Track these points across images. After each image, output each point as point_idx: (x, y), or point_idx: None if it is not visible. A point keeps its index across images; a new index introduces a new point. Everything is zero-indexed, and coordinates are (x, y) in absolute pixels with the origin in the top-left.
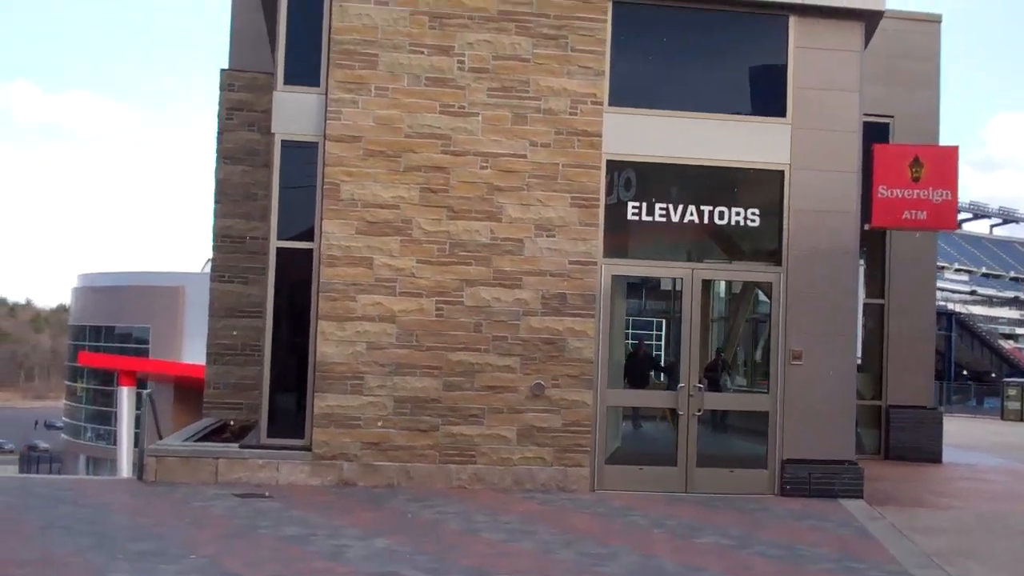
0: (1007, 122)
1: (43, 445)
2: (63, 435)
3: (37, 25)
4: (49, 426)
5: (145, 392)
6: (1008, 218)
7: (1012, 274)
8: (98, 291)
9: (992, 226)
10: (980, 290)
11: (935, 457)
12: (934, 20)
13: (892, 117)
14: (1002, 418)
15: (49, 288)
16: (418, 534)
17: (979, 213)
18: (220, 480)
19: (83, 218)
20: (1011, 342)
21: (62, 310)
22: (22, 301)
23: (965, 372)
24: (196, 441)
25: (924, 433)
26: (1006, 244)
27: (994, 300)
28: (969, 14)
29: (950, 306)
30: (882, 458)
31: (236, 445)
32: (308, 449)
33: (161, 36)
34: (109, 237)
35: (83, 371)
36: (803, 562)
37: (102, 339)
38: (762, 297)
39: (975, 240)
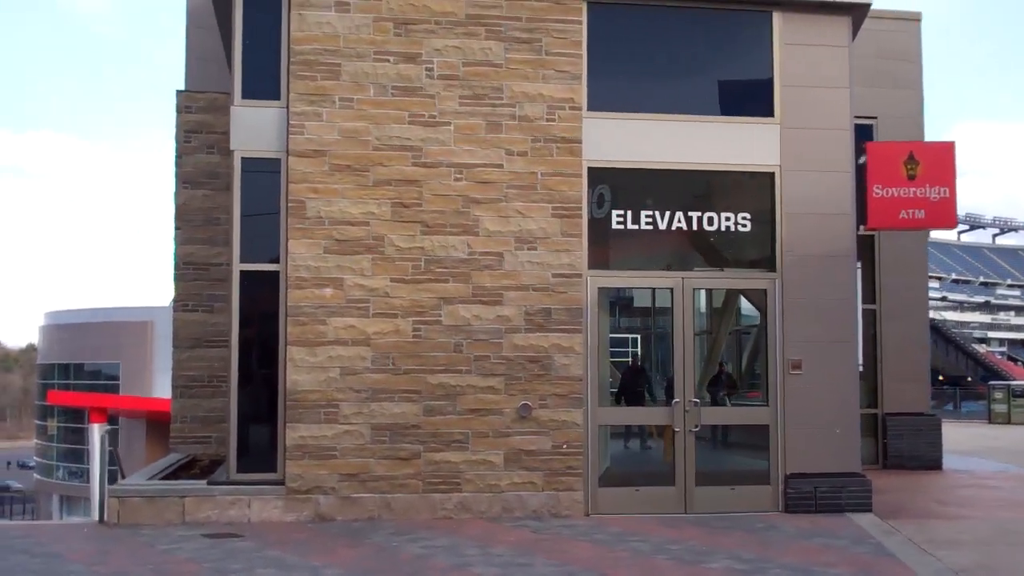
0: (970, 131)
1: (16, 486)
2: (35, 475)
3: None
4: (22, 466)
5: (101, 430)
6: (975, 224)
7: (981, 279)
8: (65, 328)
9: (960, 232)
10: (950, 296)
11: (935, 464)
12: (914, 19)
13: (875, 118)
14: (989, 421)
15: (18, 327)
16: (404, 572)
17: None
18: (188, 520)
19: (50, 256)
20: (984, 346)
21: (32, 349)
22: None
23: (941, 377)
24: (161, 479)
25: (923, 440)
26: (974, 250)
27: (964, 305)
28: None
29: None
30: (880, 467)
31: (204, 482)
32: (281, 483)
33: (118, 62)
34: (77, 274)
35: (53, 409)
36: None
37: (71, 376)
38: (745, 308)
39: (943, 247)
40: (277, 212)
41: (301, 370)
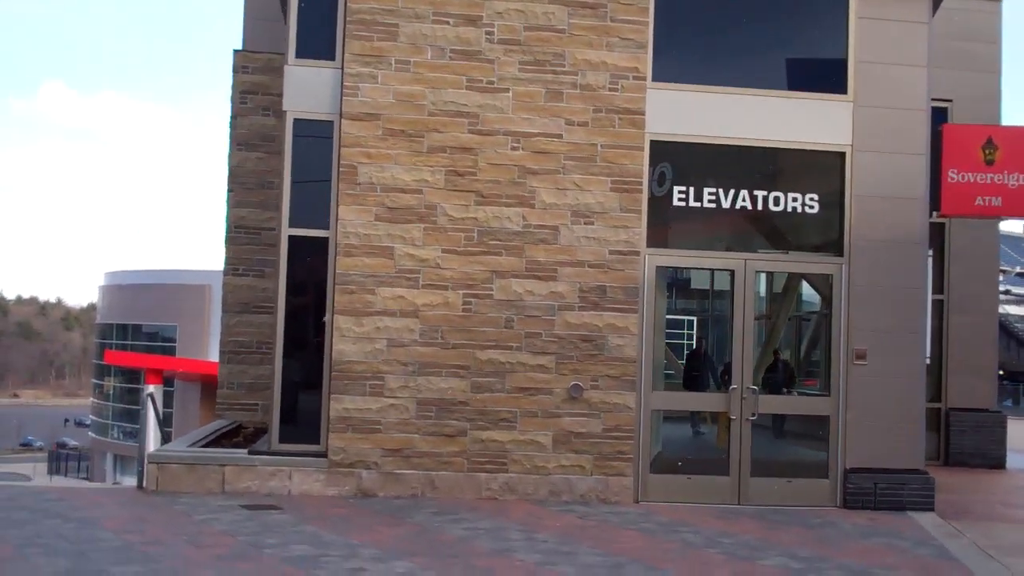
0: None
1: (72, 443)
2: (90, 433)
3: (63, 28)
4: (79, 424)
5: (145, 391)
6: None
7: None
8: (125, 289)
9: None
10: (1015, 289)
11: (999, 463)
12: None
13: (951, 101)
14: None
15: (80, 287)
16: (444, 555)
17: None
18: (227, 489)
19: (113, 217)
20: None
21: (92, 308)
22: (53, 300)
23: (1001, 372)
24: (203, 446)
25: (986, 437)
26: None
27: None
28: None
29: None
30: (941, 464)
31: (245, 451)
32: (323, 456)
33: (180, 23)
34: (139, 235)
35: (110, 369)
36: None
37: (129, 337)
38: (806, 294)
39: (1008, 239)
40: (328, 177)
41: (347, 340)
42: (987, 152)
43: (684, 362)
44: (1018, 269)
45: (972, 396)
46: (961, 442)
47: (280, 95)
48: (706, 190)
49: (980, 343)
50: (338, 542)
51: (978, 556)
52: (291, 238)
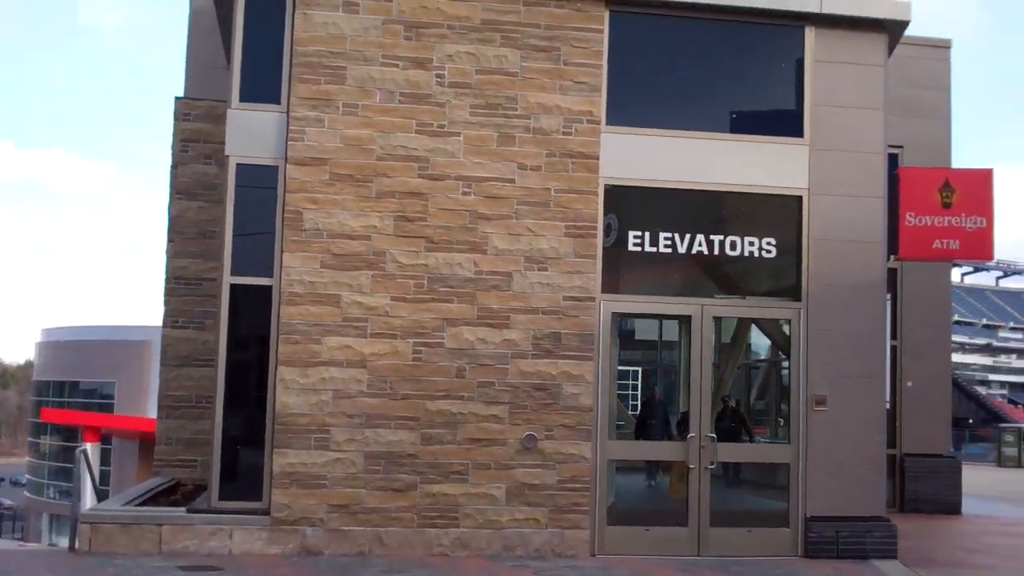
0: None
1: (7, 503)
2: (26, 492)
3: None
4: (15, 483)
5: (79, 448)
6: (979, 267)
7: (984, 321)
8: (62, 346)
9: (963, 274)
10: (953, 337)
11: (954, 508)
12: (944, 46)
13: (901, 147)
14: (999, 464)
15: (16, 343)
16: None
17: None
18: (164, 550)
19: (50, 272)
20: (985, 388)
21: (29, 366)
22: None
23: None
24: (139, 504)
25: (942, 483)
26: (977, 292)
27: (966, 347)
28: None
29: None
30: (897, 510)
31: (183, 509)
32: (266, 513)
33: (120, 72)
34: (77, 290)
35: (47, 427)
36: None
37: (66, 394)
38: (755, 340)
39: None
40: (272, 224)
41: (292, 392)
42: (944, 195)
43: (636, 412)
44: (956, 317)
45: (927, 442)
46: (916, 488)
47: (222, 142)
48: (662, 235)
49: (934, 389)
50: None
51: None
52: (233, 287)
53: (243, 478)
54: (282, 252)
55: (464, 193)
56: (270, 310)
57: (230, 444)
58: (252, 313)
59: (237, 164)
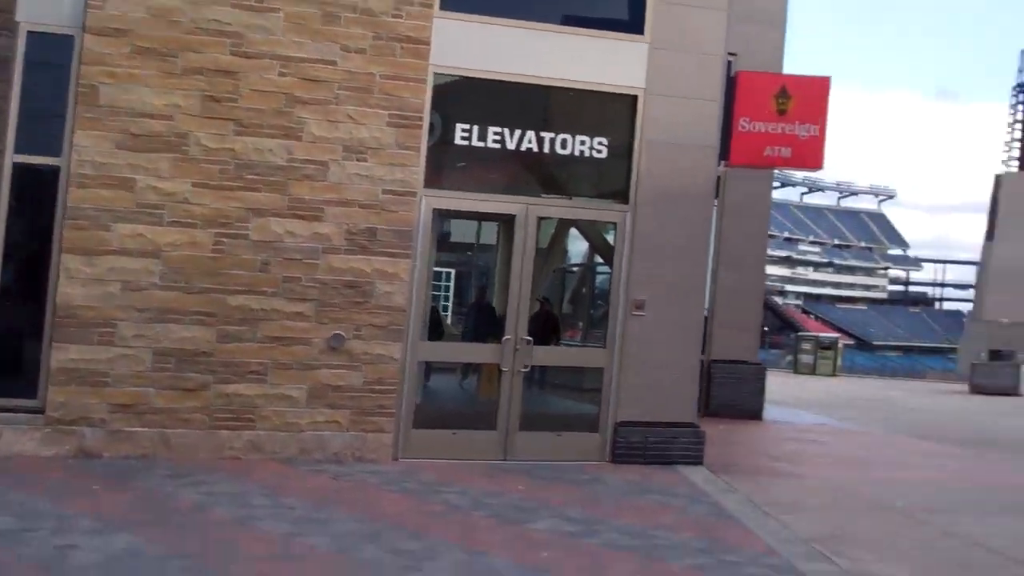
0: None
1: None
2: None
3: None
4: None
5: None
6: (785, 182)
7: (785, 234)
8: None
9: (802, 194)
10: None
11: (756, 414)
12: None
13: (735, 55)
14: (795, 372)
15: None
16: (175, 525)
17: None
18: None
19: None
20: (781, 298)
21: None
22: None
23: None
24: None
25: (747, 389)
26: (781, 206)
27: (768, 258)
28: None
29: None
30: (702, 415)
31: None
32: (40, 412)
33: None
34: None
35: None
36: (667, 555)
37: None
38: (572, 244)
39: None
40: (64, 98)
41: (75, 282)
42: (780, 101)
43: (467, 313)
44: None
45: (735, 349)
46: (722, 393)
47: (12, 11)
48: (491, 129)
49: (747, 298)
50: (49, 512)
51: (755, 514)
52: (16, 165)
53: (16, 374)
54: (74, 130)
55: (280, 74)
56: (56, 193)
57: (3, 337)
58: (37, 195)
59: (28, 32)
